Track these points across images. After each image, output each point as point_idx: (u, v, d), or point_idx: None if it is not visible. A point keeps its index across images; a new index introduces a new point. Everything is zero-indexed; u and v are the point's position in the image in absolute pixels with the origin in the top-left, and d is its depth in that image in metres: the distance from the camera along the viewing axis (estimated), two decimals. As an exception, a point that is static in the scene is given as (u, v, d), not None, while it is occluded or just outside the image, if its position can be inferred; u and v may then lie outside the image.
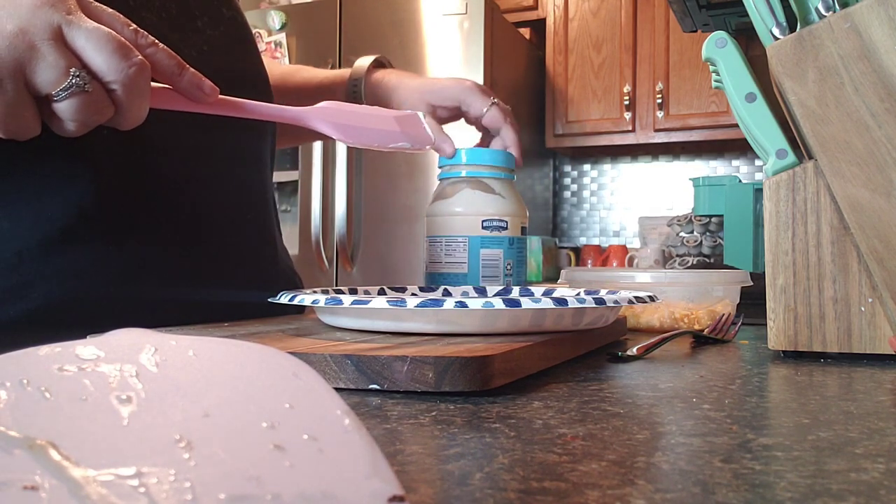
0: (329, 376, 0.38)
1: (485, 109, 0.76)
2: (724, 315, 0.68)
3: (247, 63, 0.76)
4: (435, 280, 0.70)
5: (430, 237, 0.71)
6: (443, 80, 0.79)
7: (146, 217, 0.64)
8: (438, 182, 0.73)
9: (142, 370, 0.19)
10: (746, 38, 0.98)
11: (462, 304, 0.44)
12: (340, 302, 0.45)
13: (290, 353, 0.37)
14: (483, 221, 0.69)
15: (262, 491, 0.16)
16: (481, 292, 0.64)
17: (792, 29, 0.51)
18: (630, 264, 2.79)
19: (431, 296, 0.63)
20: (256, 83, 0.76)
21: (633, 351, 0.50)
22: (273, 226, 0.80)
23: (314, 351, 0.39)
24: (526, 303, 0.44)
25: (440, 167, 0.72)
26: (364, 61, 0.84)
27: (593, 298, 0.47)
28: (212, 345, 0.21)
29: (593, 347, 0.54)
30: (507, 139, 0.76)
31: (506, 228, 0.69)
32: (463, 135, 0.83)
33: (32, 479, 0.16)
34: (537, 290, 0.63)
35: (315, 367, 0.37)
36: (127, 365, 0.20)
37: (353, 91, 0.83)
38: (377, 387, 0.37)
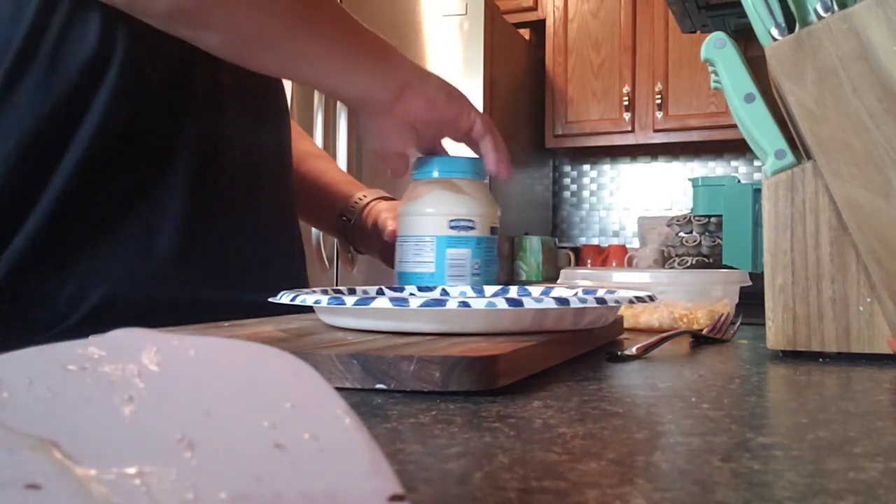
0: (335, 376, 0.38)
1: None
2: (722, 315, 0.68)
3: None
4: (403, 280, 0.71)
5: (400, 237, 0.73)
6: None
7: (163, 212, 0.64)
8: (411, 182, 0.74)
9: (143, 370, 0.20)
10: (745, 39, 0.98)
11: (465, 304, 0.44)
12: (343, 302, 0.45)
13: (294, 352, 0.37)
14: (450, 221, 0.70)
15: (262, 490, 0.16)
16: (479, 292, 0.64)
17: (791, 30, 0.51)
18: (629, 264, 2.79)
19: (432, 295, 0.63)
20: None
21: (633, 350, 0.51)
22: (297, 224, 0.81)
23: (319, 351, 0.39)
24: (528, 302, 0.44)
25: (413, 169, 0.73)
26: (371, 195, 0.86)
27: (595, 298, 0.47)
28: (213, 344, 0.21)
29: (592, 347, 0.54)
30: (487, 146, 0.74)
31: (473, 228, 0.70)
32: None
33: (35, 478, 0.16)
34: (535, 290, 0.64)
35: (321, 367, 0.37)
36: (129, 365, 0.20)
37: (350, 210, 0.85)
38: (383, 386, 0.37)
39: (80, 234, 0.60)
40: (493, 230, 0.72)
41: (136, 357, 0.20)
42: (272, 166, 0.76)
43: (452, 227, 0.69)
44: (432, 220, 0.70)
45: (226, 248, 0.68)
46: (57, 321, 0.58)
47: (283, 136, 0.79)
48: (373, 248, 0.85)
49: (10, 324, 0.57)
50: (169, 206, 0.63)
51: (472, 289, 0.65)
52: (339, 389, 0.37)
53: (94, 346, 0.20)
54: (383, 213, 0.81)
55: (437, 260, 0.69)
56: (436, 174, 0.71)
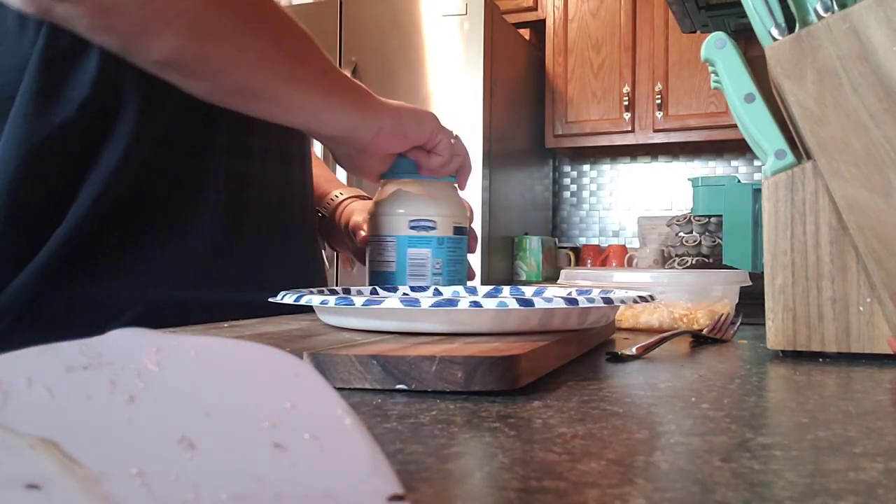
0: (354, 377, 0.37)
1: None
2: (722, 315, 0.68)
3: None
4: (372, 278, 0.72)
5: (369, 236, 0.74)
6: None
7: (197, 217, 0.65)
8: (380, 182, 0.76)
9: (144, 370, 0.20)
10: (745, 39, 0.98)
11: (476, 304, 0.44)
12: (352, 303, 0.45)
13: (311, 354, 0.38)
14: (411, 221, 0.71)
15: (263, 490, 0.16)
16: (472, 292, 0.64)
17: (790, 30, 0.52)
18: (629, 264, 2.79)
19: (422, 293, 0.63)
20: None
21: (633, 350, 0.51)
22: (314, 226, 0.84)
23: (337, 351, 0.38)
24: (539, 302, 0.44)
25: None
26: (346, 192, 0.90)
27: (602, 298, 0.47)
28: (213, 344, 0.21)
29: (592, 346, 0.54)
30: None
31: (434, 228, 0.71)
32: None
33: (35, 478, 0.16)
34: (528, 290, 0.64)
35: (339, 368, 0.37)
36: (129, 365, 0.20)
37: (326, 206, 0.90)
38: (404, 387, 0.37)
39: (114, 246, 0.62)
40: (458, 230, 0.73)
41: (136, 357, 0.20)
42: (298, 177, 0.79)
43: (413, 227, 0.71)
44: (394, 220, 0.71)
45: (254, 258, 0.71)
46: (96, 330, 0.59)
47: (307, 148, 0.82)
48: (345, 246, 0.88)
49: (47, 330, 0.59)
50: (203, 219, 0.66)
51: (464, 289, 0.65)
52: (340, 390, 0.37)
53: (94, 346, 0.20)
54: (356, 214, 0.84)
55: (398, 259, 0.70)
56: (401, 175, 0.73)
